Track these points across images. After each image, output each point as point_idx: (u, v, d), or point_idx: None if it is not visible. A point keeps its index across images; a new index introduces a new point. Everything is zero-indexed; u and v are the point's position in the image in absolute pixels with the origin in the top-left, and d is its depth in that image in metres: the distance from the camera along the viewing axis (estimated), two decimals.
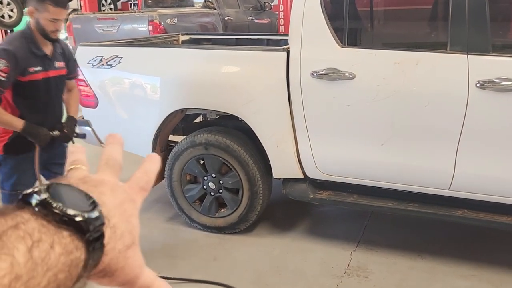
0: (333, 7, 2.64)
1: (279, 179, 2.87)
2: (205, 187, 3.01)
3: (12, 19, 8.47)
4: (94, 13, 7.75)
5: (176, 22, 6.80)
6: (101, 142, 3.30)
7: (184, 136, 3.08)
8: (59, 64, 2.40)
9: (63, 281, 0.32)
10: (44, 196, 0.33)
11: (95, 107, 3.16)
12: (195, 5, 8.05)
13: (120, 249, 0.38)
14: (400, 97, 2.39)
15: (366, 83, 2.45)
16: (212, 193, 3.01)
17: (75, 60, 2.64)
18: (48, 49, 2.32)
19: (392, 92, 2.39)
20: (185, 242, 2.97)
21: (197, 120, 3.57)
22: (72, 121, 2.54)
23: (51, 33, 2.25)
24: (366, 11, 3.03)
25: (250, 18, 8.50)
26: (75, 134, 2.54)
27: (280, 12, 9.09)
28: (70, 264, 0.32)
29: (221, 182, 2.96)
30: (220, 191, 2.99)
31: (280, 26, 9.06)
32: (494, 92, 2.23)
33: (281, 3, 9.01)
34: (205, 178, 3.00)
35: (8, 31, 9.82)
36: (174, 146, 3.07)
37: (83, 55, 3.13)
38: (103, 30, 6.95)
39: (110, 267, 0.37)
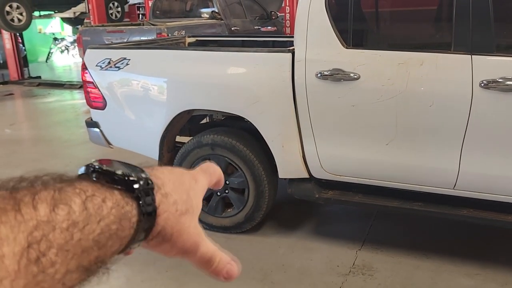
0: (338, 8, 2.67)
1: (285, 179, 2.89)
2: None
3: (22, 23, 8.59)
4: (103, 25, 7.90)
5: (183, 34, 6.87)
6: (109, 143, 3.35)
7: (191, 137, 3.12)
8: None
9: (115, 232, 0.36)
10: (97, 165, 0.38)
11: (103, 109, 3.21)
12: (202, 15, 8.06)
13: (173, 212, 0.41)
14: (405, 97, 2.41)
15: (371, 83, 2.47)
16: (218, 193, 3.04)
17: None
18: None
19: (396, 92, 2.41)
20: None
21: (204, 121, 3.61)
22: None
23: None
24: (370, 12, 3.05)
25: (257, 27, 8.53)
26: None
27: (286, 14, 9.12)
28: (121, 217, 0.36)
29: (227, 182, 3.00)
30: (226, 191, 3.02)
31: (286, 28, 9.09)
32: (498, 92, 2.24)
33: (287, 12, 9.04)
34: None
35: (18, 34, 9.96)
36: (181, 147, 3.11)
37: (91, 57, 3.18)
38: (112, 42, 7.05)
39: (166, 230, 0.40)
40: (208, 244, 0.45)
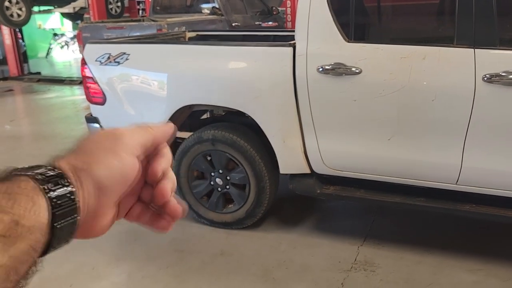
0: (339, 2, 2.64)
1: (286, 174, 2.88)
2: (212, 183, 3.03)
3: (21, 18, 8.54)
4: (103, 22, 7.86)
5: (184, 30, 6.82)
6: None
7: (191, 133, 3.10)
8: None
9: (18, 191, 0.38)
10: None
11: (103, 104, 3.18)
12: (203, 11, 7.98)
13: (78, 157, 0.44)
14: (407, 91, 2.39)
15: (373, 78, 2.45)
16: (219, 189, 3.03)
17: None
18: None
19: (398, 86, 2.39)
20: (193, 237, 3.00)
21: (204, 116, 3.59)
22: None
23: None
24: (372, 6, 3.03)
25: (258, 22, 8.48)
26: None
27: (287, 9, 9.09)
28: (17, 180, 0.39)
29: (228, 178, 2.98)
30: (227, 187, 3.01)
31: (288, 23, 9.06)
32: (501, 86, 2.22)
33: (288, 6, 9.00)
34: (212, 174, 3.02)
35: (17, 30, 9.92)
36: (181, 143, 3.09)
37: (91, 52, 3.16)
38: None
39: (92, 170, 0.43)
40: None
